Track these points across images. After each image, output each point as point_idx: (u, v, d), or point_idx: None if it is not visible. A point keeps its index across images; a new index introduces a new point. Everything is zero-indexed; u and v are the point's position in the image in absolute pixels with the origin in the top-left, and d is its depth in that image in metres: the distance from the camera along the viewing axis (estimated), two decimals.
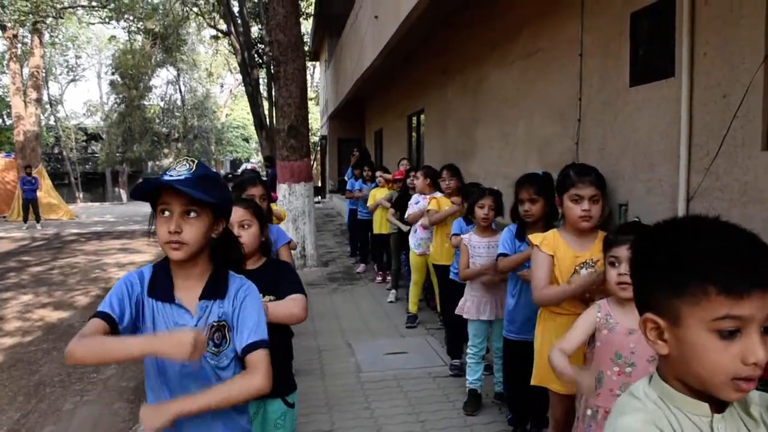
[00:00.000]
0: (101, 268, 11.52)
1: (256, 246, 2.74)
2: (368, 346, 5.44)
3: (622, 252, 2.18)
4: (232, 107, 49.85)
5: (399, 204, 6.75)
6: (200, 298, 1.86)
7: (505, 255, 3.36)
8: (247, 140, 47.66)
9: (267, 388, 1.78)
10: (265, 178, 11.91)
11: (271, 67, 15.88)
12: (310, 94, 43.26)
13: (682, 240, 1.08)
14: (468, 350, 4.10)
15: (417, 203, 5.81)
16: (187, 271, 1.86)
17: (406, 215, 6.00)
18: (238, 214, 2.68)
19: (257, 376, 1.77)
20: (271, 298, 2.59)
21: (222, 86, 49.33)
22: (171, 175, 1.77)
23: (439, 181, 5.44)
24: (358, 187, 9.48)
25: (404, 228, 6.27)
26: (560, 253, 2.61)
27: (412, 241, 5.92)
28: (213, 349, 1.85)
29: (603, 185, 2.66)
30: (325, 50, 25.95)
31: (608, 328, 2.19)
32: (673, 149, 5.11)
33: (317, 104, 36.13)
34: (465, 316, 4.04)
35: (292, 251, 6.18)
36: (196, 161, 1.83)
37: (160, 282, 1.86)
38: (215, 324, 1.86)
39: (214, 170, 2.05)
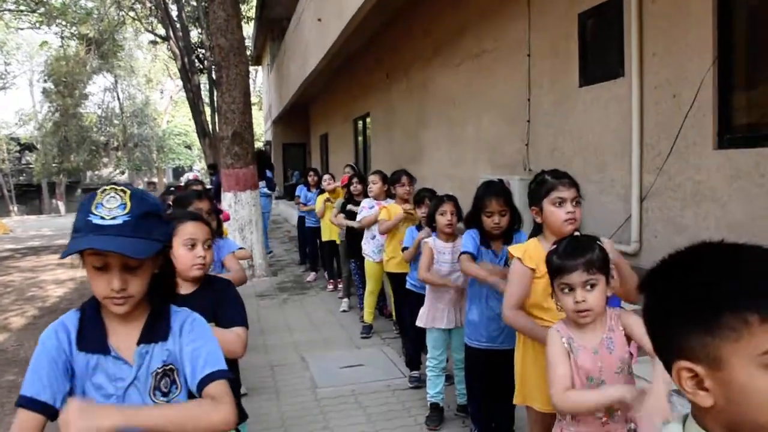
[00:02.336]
0: (38, 286, 10.92)
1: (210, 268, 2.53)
2: (323, 360, 5.23)
3: (575, 278, 2.05)
4: (173, 114, 48.66)
5: (344, 206, 6.54)
6: (138, 342, 1.58)
7: (468, 254, 3.20)
8: (189, 147, 46.58)
9: (233, 423, 1.52)
10: (209, 186, 11.56)
11: (213, 72, 15.47)
12: (253, 99, 42.63)
13: (705, 271, 0.93)
14: (427, 363, 3.94)
15: (371, 207, 5.64)
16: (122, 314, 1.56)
17: (358, 218, 5.81)
18: (203, 231, 2.44)
19: (223, 407, 1.50)
20: (212, 324, 2.39)
21: (162, 92, 48.14)
22: (103, 217, 1.44)
23: (398, 186, 5.25)
24: (303, 197, 9.18)
25: (356, 225, 6.05)
26: (542, 264, 2.47)
27: (369, 247, 5.72)
28: (161, 399, 1.58)
29: (579, 189, 2.54)
30: (267, 54, 25.58)
31: (574, 353, 2.08)
32: (624, 149, 5.10)
33: (260, 109, 35.58)
34: (419, 324, 3.88)
35: (246, 260, 5.95)
36: (129, 191, 1.50)
37: (91, 331, 1.56)
38: (159, 370, 1.58)
39: (149, 193, 1.69)
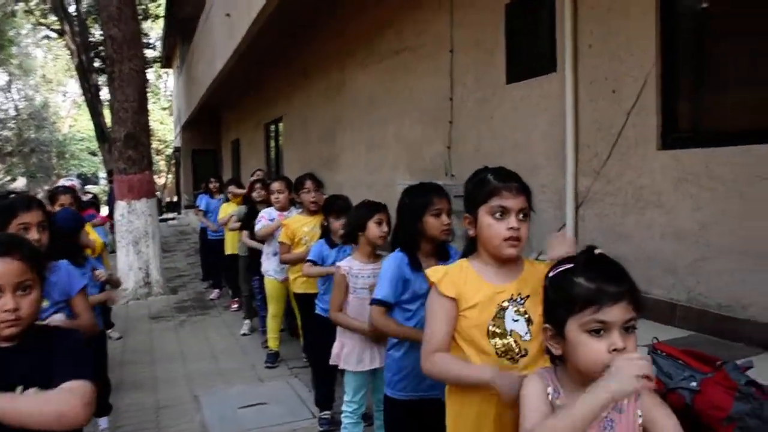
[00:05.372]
0: None
1: (35, 318, 1.72)
2: (219, 398, 4.44)
3: (617, 315, 1.35)
4: (75, 117, 45.80)
5: (248, 220, 5.70)
6: None
7: (382, 305, 2.48)
8: (94, 153, 43.95)
9: None
10: (102, 196, 10.44)
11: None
12: (164, 104, 40.71)
13: None
14: (344, 407, 3.22)
15: (272, 219, 4.89)
16: None
17: (256, 230, 5.03)
18: (14, 271, 1.66)
19: None
20: (35, 390, 1.60)
21: (65, 94, 45.26)
22: None
23: (302, 193, 4.45)
24: (203, 206, 8.17)
25: (256, 245, 5.34)
26: (471, 292, 1.80)
27: (270, 264, 4.96)
28: None
29: (531, 198, 1.86)
30: (177, 56, 24.20)
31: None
32: (558, 151, 4.61)
33: (171, 114, 33.93)
34: (343, 367, 3.16)
35: (116, 288, 5.01)
36: None
37: None
38: None
39: None
